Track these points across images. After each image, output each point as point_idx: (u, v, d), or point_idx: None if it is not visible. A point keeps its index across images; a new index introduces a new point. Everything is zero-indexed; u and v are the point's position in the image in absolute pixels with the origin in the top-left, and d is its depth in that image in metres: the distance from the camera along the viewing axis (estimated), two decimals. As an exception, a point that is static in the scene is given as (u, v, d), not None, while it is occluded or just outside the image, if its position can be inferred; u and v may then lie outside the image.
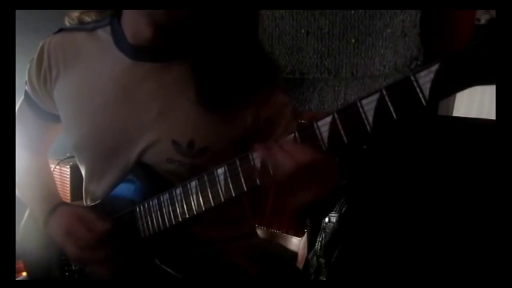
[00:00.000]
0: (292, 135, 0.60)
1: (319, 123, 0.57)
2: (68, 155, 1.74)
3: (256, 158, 0.65)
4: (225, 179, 0.69)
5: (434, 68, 0.47)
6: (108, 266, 0.86)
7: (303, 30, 1.60)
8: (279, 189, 0.64)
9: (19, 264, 1.06)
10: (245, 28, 0.81)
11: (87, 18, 0.91)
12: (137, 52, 0.83)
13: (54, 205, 0.91)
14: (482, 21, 1.32)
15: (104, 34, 0.87)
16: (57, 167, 1.76)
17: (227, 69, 0.80)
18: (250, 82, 0.81)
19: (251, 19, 0.83)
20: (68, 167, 1.74)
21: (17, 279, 1.11)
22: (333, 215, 1.32)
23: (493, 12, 1.29)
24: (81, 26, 0.90)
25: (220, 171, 0.69)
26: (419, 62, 1.41)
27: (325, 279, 1.27)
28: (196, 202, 0.74)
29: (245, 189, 0.67)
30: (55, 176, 1.71)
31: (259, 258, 1.01)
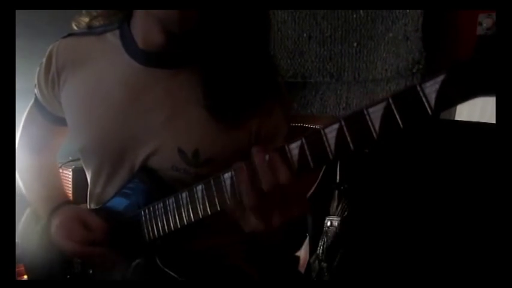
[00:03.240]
0: (299, 141, 0.60)
1: (327, 130, 0.57)
2: (70, 158, 1.75)
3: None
4: (232, 184, 0.69)
5: (440, 78, 0.48)
6: (108, 264, 0.87)
7: (305, 34, 1.61)
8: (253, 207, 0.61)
9: (20, 267, 1.06)
10: (257, 38, 0.82)
11: (96, 24, 0.91)
12: (147, 57, 0.83)
13: (58, 204, 0.92)
14: (484, 25, 1.32)
15: (113, 38, 0.88)
16: (59, 170, 1.76)
17: (236, 78, 0.80)
18: (257, 92, 0.81)
19: (263, 29, 0.83)
20: (70, 170, 1.74)
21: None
22: (335, 218, 1.32)
23: (495, 16, 1.30)
24: (90, 31, 0.91)
25: (227, 176, 0.70)
26: (421, 66, 1.41)
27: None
28: (202, 206, 0.74)
29: None
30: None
31: (261, 261, 1.01)
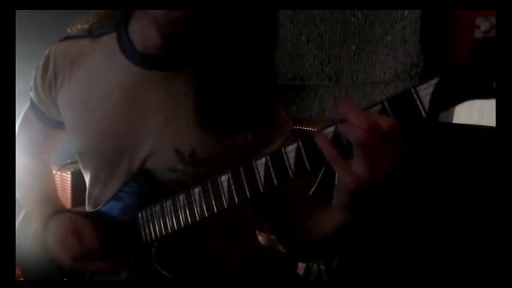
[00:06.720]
0: (296, 144, 0.60)
1: (323, 132, 0.58)
2: (68, 161, 1.75)
3: (260, 165, 0.66)
4: (229, 186, 0.69)
5: (434, 81, 0.49)
6: (104, 272, 0.87)
7: (303, 37, 1.61)
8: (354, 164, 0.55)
9: (16, 271, 1.06)
10: (262, 45, 0.80)
11: (91, 28, 0.92)
12: (145, 60, 0.84)
13: (55, 210, 0.92)
14: (482, 28, 1.33)
15: (110, 40, 0.88)
16: (58, 172, 1.76)
17: (230, 89, 0.79)
18: (251, 101, 0.81)
19: (269, 36, 0.81)
20: (69, 172, 1.74)
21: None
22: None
23: (493, 20, 1.30)
24: (86, 33, 0.91)
25: (224, 178, 0.70)
26: (419, 69, 1.42)
27: (325, 285, 1.27)
28: (200, 209, 0.74)
29: (248, 196, 0.68)
30: (56, 181, 1.71)
31: (259, 264, 1.01)
